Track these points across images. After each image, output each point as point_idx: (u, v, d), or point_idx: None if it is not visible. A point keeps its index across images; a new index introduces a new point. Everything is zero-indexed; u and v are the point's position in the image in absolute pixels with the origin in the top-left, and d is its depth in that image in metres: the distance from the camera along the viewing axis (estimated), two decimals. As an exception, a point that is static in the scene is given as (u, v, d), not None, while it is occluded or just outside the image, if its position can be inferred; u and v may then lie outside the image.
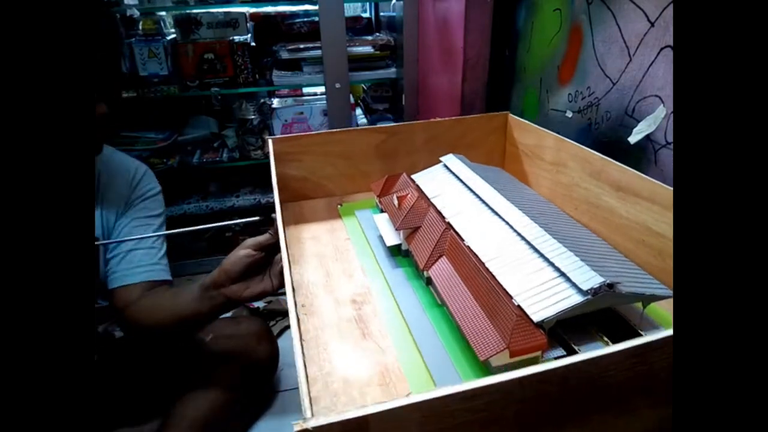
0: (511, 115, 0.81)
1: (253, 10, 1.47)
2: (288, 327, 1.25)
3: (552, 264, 0.42)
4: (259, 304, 1.49)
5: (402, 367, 0.44)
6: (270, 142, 0.71)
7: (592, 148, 0.75)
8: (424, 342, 0.46)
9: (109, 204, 0.81)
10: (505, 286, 0.42)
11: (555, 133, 0.71)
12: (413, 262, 0.56)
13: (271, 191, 0.60)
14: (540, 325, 0.38)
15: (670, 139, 0.59)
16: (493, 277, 0.44)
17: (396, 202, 0.59)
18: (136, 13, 1.39)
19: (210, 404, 0.81)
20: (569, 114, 0.82)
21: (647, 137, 0.62)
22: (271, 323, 1.27)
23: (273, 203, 0.59)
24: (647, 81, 0.62)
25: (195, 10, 1.35)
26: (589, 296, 0.37)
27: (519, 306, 0.40)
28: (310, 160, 0.75)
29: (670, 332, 0.29)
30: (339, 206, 0.75)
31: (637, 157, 0.65)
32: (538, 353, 0.39)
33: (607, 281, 0.38)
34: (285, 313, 1.32)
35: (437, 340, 0.46)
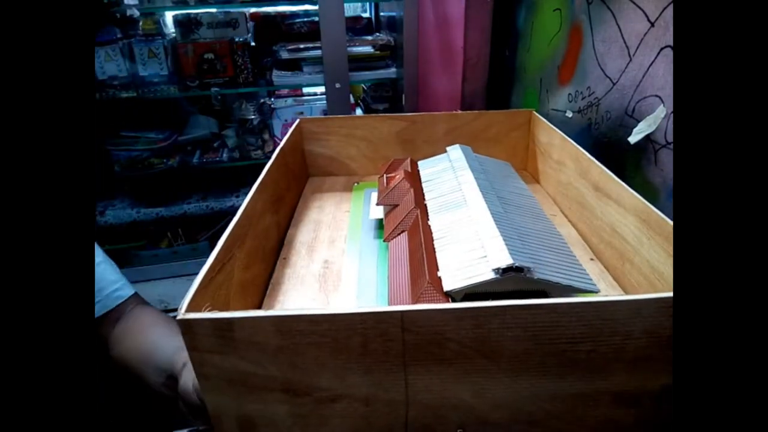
0: (534, 113, 0.82)
1: (253, 10, 1.47)
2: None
3: (483, 245, 0.47)
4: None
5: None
6: (298, 120, 0.79)
7: (592, 149, 0.75)
8: (364, 300, 0.53)
9: None
10: (439, 261, 0.46)
11: (560, 132, 0.71)
12: None
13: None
14: (449, 294, 0.42)
15: (670, 139, 0.59)
16: (433, 252, 0.48)
17: (386, 181, 0.65)
18: (136, 13, 1.39)
19: None
20: (569, 114, 0.82)
21: (647, 137, 0.62)
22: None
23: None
24: (647, 81, 0.62)
25: (195, 10, 1.35)
26: (498, 275, 0.40)
27: (440, 277, 0.44)
28: (335, 141, 0.82)
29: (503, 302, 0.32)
30: (355, 184, 0.81)
31: (637, 157, 0.65)
32: None
33: (516, 264, 0.40)
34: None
35: (375, 301, 0.53)
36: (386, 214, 0.62)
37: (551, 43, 0.86)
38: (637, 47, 0.63)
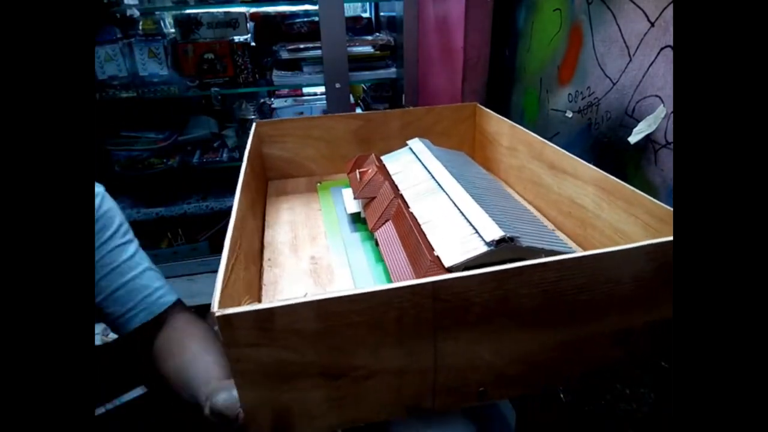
0: (478, 105, 0.86)
1: (253, 10, 1.47)
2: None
3: (470, 223, 0.49)
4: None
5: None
6: (254, 125, 0.77)
7: (592, 149, 0.75)
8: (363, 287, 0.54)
9: None
10: (431, 242, 0.49)
11: (509, 120, 0.75)
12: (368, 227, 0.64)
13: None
14: (450, 269, 0.45)
15: (670, 139, 0.59)
16: (424, 235, 0.50)
17: (358, 176, 0.67)
18: (136, 13, 1.39)
19: None
20: (569, 114, 0.82)
21: (647, 137, 0.62)
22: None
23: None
24: (647, 81, 0.62)
25: (195, 10, 1.35)
26: (493, 247, 0.44)
27: (438, 256, 0.46)
28: (293, 142, 0.82)
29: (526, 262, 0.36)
30: (318, 184, 0.82)
31: (637, 157, 0.65)
32: None
33: (508, 235, 0.44)
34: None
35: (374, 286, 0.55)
36: (365, 206, 0.64)
37: (551, 43, 0.86)
38: (637, 47, 0.63)
